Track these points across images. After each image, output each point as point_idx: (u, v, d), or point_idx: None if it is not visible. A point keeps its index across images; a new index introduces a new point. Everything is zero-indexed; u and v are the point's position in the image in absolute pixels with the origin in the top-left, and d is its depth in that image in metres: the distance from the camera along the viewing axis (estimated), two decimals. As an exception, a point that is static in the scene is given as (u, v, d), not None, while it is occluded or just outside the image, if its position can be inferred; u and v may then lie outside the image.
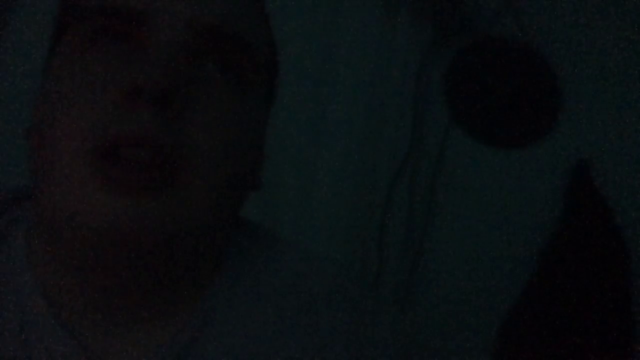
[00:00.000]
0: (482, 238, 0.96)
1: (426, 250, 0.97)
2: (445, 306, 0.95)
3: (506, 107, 1.00)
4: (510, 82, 1.00)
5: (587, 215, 0.94)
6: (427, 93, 1.01)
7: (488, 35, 1.02)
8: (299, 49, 0.97)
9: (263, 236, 0.47)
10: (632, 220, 0.93)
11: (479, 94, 1.01)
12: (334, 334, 0.42)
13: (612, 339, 0.90)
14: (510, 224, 0.96)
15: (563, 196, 0.96)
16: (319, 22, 1.00)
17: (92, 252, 0.34)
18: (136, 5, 0.35)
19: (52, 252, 0.37)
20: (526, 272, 0.94)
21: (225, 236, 0.42)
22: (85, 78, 0.35)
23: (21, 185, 0.43)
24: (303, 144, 0.98)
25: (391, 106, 1.00)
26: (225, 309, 0.41)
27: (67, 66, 0.36)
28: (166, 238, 0.33)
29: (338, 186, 0.97)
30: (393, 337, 0.44)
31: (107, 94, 0.34)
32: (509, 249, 0.95)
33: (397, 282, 0.96)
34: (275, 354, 0.40)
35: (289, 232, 0.93)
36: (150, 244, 0.33)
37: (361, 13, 1.01)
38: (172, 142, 0.33)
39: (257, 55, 0.39)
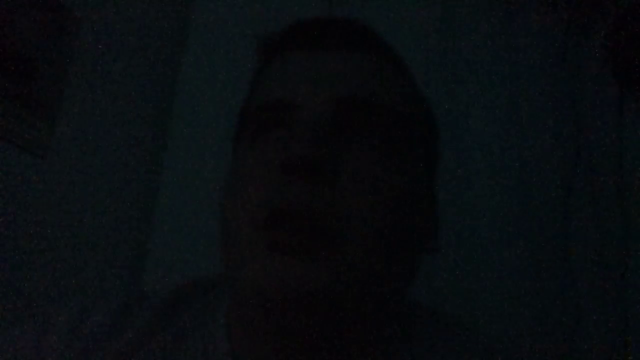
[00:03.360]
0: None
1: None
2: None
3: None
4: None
5: None
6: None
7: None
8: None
9: (443, 317, 0.49)
10: None
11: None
12: None
13: None
14: None
15: None
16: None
17: (270, 314, 0.37)
18: (285, 97, 0.42)
19: (242, 319, 0.42)
20: None
21: (402, 301, 0.44)
22: (254, 162, 0.41)
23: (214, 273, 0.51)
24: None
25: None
26: None
27: (242, 153, 0.44)
28: (332, 297, 0.36)
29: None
30: None
31: (270, 173, 0.39)
32: None
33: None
34: None
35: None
36: (317, 303, 0.36)
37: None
38: (327, 208, 0.37)
39: (401, 119, 0.43)
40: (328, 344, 0.39)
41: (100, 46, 0.91)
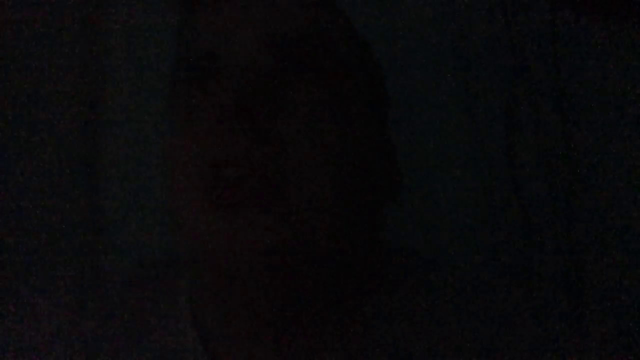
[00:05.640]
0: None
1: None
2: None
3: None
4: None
5: None
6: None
7: None
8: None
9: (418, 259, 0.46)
10: None
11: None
12: None
13: None
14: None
15: None
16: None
17: (221, 278, 0.35)
18: (216, 46, 0.38)
19: (203, 294, 0.40)
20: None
21: (368, 253, 0.42)
22: (188, 119, 0.39)
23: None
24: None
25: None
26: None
27: (178, 109, 0.41)
28: (293, 253, 0.34)
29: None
30: None
31: (204, 129, 0.37)
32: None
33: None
34: None
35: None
36: (269, 260, 0.34)
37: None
38: (265, 155, 0.35)
39: (342, 61, 0.40)
40: (286, 312, 0.37)
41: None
